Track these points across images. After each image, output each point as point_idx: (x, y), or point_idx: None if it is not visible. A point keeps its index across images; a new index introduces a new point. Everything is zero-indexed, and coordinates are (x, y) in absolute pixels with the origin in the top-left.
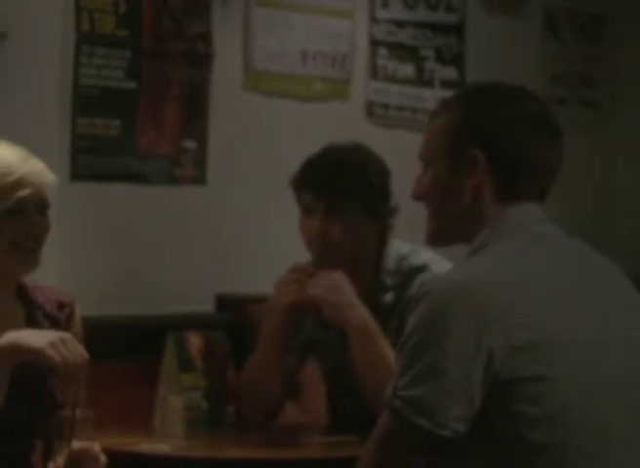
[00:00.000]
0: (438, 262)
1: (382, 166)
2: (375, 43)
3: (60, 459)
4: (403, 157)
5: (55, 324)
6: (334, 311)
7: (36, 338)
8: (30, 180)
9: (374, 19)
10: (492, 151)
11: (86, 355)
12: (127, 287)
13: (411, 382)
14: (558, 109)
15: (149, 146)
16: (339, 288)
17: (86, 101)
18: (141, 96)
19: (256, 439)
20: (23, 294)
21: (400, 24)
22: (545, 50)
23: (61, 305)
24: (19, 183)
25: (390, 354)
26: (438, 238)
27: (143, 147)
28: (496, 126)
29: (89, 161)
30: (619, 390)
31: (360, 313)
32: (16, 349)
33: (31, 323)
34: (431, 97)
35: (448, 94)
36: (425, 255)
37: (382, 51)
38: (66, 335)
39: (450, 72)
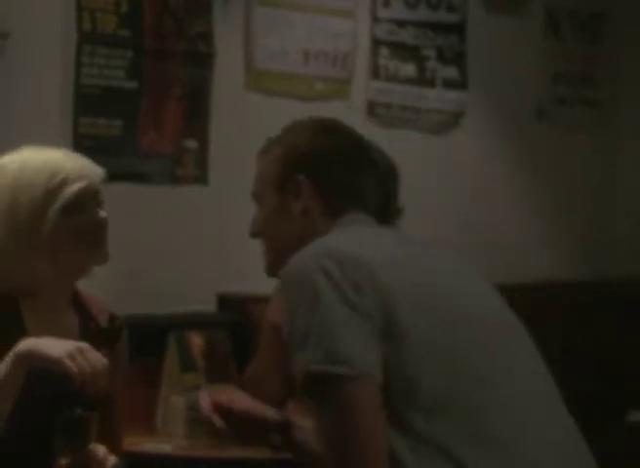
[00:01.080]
0: None
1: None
2: (376, 42)
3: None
4: (404, 157)
5: (107, 337)
6: None
7: (55, 347)
8: (81, 174)
9: (375, 19)
10: (315, 176)
11: (105, 362)
12: (128, 286)
13: (315, 349)
14: (559, 108)
15: (151, 146)
16: None
17: (87, 101)
18: (143, 95)
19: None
20: (78, 304)
21: (401, 24)
22: (546, 49)
23: (113, 318)
24: (70, 179)
25: None
26: (278, 268)
27: (145, 147)
28: (317, 155)
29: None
30: (474, 326)
31: None
32: (33, 357)
33: (86, 335)
34: (433, 97)
35: (449, 93)
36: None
37: (384, 50)
38: (84, 345)
39: (451, 72)
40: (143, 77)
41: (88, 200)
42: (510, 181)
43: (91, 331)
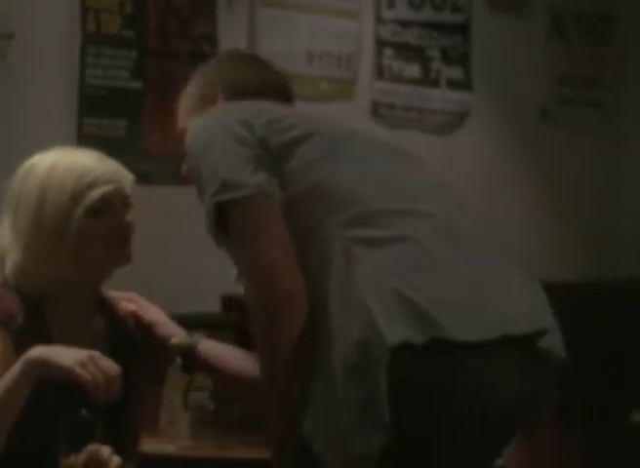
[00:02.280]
0: None
1: None
2: (380, 43)
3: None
4: None
5: (134, 343)
6: None
7: (66, 356)
8: (109, 178)
9: (379, 20)
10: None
11: (118, 369)
12: (132, 286)
13: (210, 188)
14: (564, 109)
15: (155, 146)
16: None
17: (92, 102)
18: (147, 96)
19: (262, 439)
20: (106, 308)
21: (406, 24)
22: (551, 50)
23: (138, 324)
24: (97, 182)
25: None
26: None
27: (149, 147)
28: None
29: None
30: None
31: None
32: (45, 365)
33: (113, 341)
34: (437, 98)
35: (454, 93)
36: None
37: (388, 51)
38: (96, 353)
39: (456, 72)
40: (148, 77)
41: (115, 203)
42: (514, 182)
43: (119, 335)
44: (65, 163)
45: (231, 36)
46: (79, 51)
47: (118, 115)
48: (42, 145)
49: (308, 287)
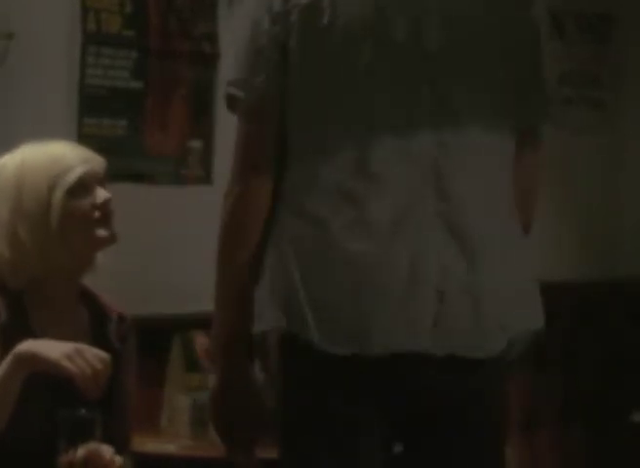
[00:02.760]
0: None
1: None
2: None
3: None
4: None
5: (115, 338)
6: None
7: (53, 349)
8: (83, 158)
9: None
10: None
11: (106, 358)
12: (133, 286)
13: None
14: (564, 109)
15: (156, 146)
16: None
17: (92, 101)
18: (148, 96)
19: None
20: (89, 301)
21: None
22: (551, 50)
23: (121, 318)
24: (72, 164)
25: None
26: None
27: (150, 147)
28: None
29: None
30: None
31: None
32: (34, 359)
33: (97, 334)
34: None
35: None
36: None
37: None
38: (83, 346)
39: None
40: (148, 77)
41: (92, 182)
42: None
43: (106, 330)
44: (35, 154)
45: (232, 36)
46: (79, 51)
47: (118, 115)
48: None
49: None
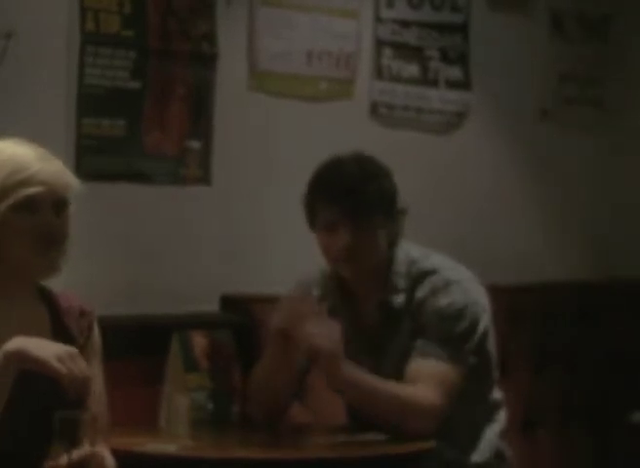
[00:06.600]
0: (446, 266)
1: (385, 167)
2: (379, 43)
3: (59, 461)
4: (407, 157)
5: (77, 332)
6: (328, 360)
7: (43, 349)
8: (43, 179)
9: (378, 19)
10: None
11: (88, 373)
12: (132, 287)
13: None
14: (564, 109)
15: (154, 146)
16: (335, 338)
17: (91, 101)
18: (146, 96)
19: (261, 439)
20: (47, 298)
21: (405, 24)
22: (551, 50)
23: (83, 313)
24: (29, 181)
25: (380, 385)
26: None
27: (148, 147)
28: None
29: (94, 161)
30: None
31: (347, 365)
32: (23, 356)
33: (58, 330)
34: (436, 97)
35: (453, 93)
36: (435, 260)
37: (387, 51)
38: (74, 351)
39: (455, 72)
40: (147, 77)
41: (43, 205)
42: (514, 182)
43: (64, 325)
44: (4, 155)
45: (231, 36)
46: (78, 51)
47: (117, 115)
48: (40, 144)
49: None
